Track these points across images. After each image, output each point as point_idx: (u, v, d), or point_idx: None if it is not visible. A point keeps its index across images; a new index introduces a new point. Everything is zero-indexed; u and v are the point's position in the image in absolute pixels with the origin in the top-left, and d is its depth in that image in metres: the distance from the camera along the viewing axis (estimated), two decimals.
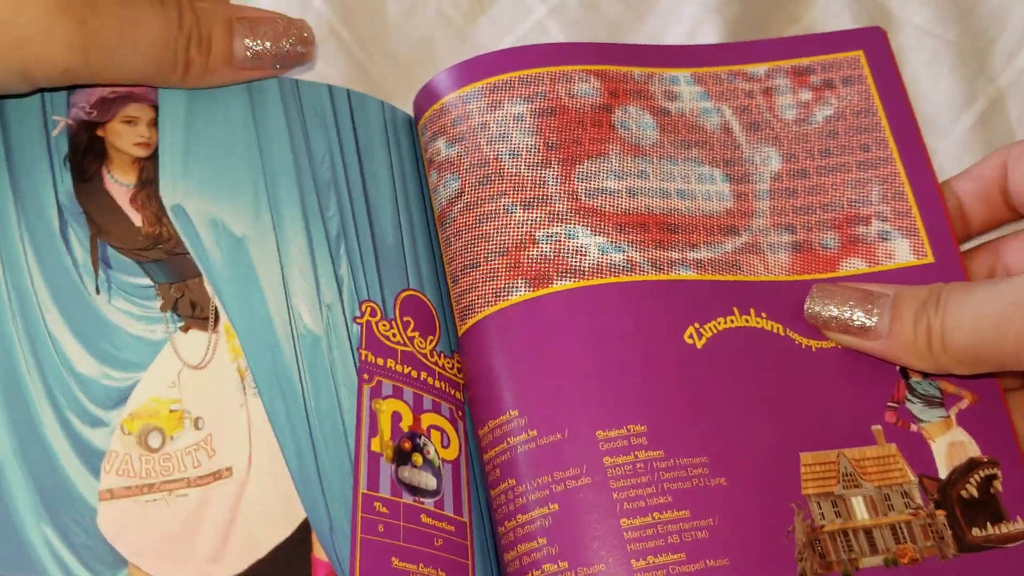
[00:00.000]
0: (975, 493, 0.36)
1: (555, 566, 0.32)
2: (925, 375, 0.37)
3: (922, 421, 0.37)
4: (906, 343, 0.34)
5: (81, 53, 0.32)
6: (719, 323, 0.36)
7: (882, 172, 0.40)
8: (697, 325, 0.36)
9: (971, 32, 0.47)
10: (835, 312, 0.36)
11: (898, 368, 0.37)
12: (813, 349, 0.37)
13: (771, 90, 0.42)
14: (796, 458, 0.35)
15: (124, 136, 0.37)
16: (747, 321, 0.37)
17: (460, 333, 0.37)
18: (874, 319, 0.35)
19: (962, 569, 0.35)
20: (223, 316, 0.34)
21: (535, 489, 0.34)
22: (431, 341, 0.37)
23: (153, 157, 0.37)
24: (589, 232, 0.37)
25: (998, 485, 0.36)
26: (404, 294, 0.38)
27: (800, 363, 0.37)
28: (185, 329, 0.34)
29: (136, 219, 0.35)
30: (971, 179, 0.39)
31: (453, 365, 0.37)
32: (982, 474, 0.36)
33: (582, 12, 0.48)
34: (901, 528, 0.35)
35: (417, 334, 0.37)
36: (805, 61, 0.42)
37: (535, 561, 0.33)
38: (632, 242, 0.37)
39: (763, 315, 0.37)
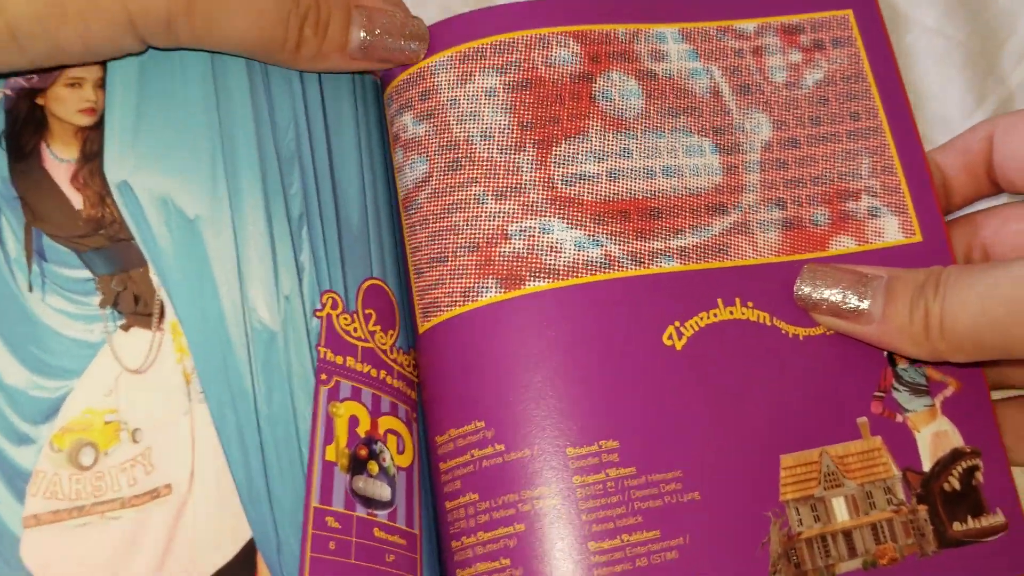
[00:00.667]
0: (957, 485, 0.35)
1: None
2: (912, 361, 0.35)
3: (907, 411, 0.36)
4: (901, 327, 0.32)
5: (184, 6, 0.30)
6: (701, 319, 0.35)
7: (872, 143, 0.38)
8: (677, 324, 0.34)
9: (981, 33, 0.47)
10: (826, 294, 0.34)
11: (885, 354, 0.36)
12: (800, 338, 0.35)
13: (761, 49, 0.39)
14: (776, 462, 0.34)
15: (67, 102, 0.33)
16: (731, 313, 0.35)
17: (421, 330, 0.35)
18: (867, 302, 0.33)
19: (942, 566, 0.34)
20: (169, 311, 0.31)
21: (500, 507, 0.32)
22: (391, 336, 0.35)
23: (99, 126, 0.33)
24: (565, 225, 0.35)
25: (980, 476, 0.35)
26: (367, 283, 0.35)
27: (787, 355, 0.35)
28: (126, 327, 0.31)
29: (76, 200, 0.32)
30: (956, 151, 0.38)
31: (410, 362, 0.35)
32: (964, 465, 0.35)
33: None
34: (882, 527, 0.34)
35: (379, 328, 0.35)
36: (795, 18, 0.40)
37: None
38: (611, 234, 0.35)
39: (749, 304, 0.35)
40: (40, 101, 0.33)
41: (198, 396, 0.30)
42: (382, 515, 0.32)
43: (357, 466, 0.32)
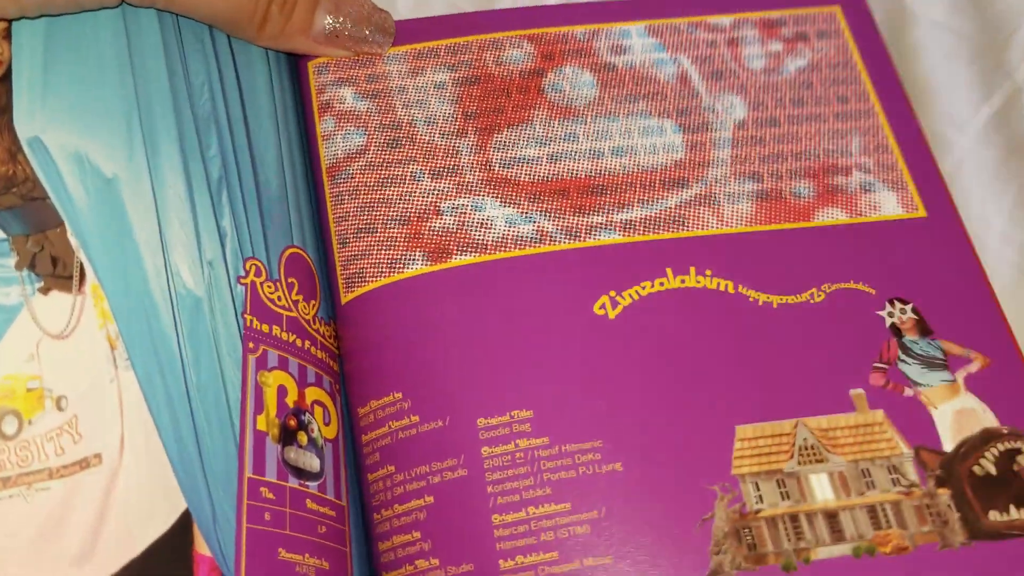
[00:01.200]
0: (992, 470, 0.31)
1: (427, 562, 0.31)
2: (922, 334, 0.34)
3: (920, 385, 0.33)
4: None
5: None
6: (642, 288, 0.34)
7: (863, 124, 0.38)
8: (613, 293, 0.34)
9: (988, 27, 0.47)
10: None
11: (888, 325, 0.34)
12: (774, 305, 0.34)
13: (737, 40, 0.40)
14: (730, 433, 0.32)
15: None
16: (683, 282, 0.34)
17: (343, 301, 0.35)
18: None
19: (974, 560, 0.30)
20: (89, 274, 0.30)
21: (413, 479, 0.32)
22: (313, 306, 0.34)
23: (6, 78, 0.31)
24: (498, 204, 0.36)
25: (1023, 461, 0.32)
26: (288, 251, 0.35)
27: (754, 322, 0.34)
28: (45, 290, 0.29)
29: None
30: None
31: (331, 333, 0.35)
32: (1001, 447, 0.32)
33: None
34: (883, 510, 0.31)
35: (301, 298, 0.34)
36: (775, 14, 0.40)
37: (409, 555, 0.32)
38: (546, 211, 0.36)
39: (707, 272, 0.34)
40: None
41: (124, 363, 0.29)
42: (313, 486, 0.32)
43: (287, 436, 0.32)
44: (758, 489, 0.31)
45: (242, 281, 0.32)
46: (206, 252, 0.32)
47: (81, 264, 0.29)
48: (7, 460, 0.27)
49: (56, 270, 0.29)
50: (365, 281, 0.34)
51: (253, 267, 0.33)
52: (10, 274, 0.28)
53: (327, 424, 0.33)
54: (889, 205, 0.37)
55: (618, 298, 0.34)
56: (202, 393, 0.30)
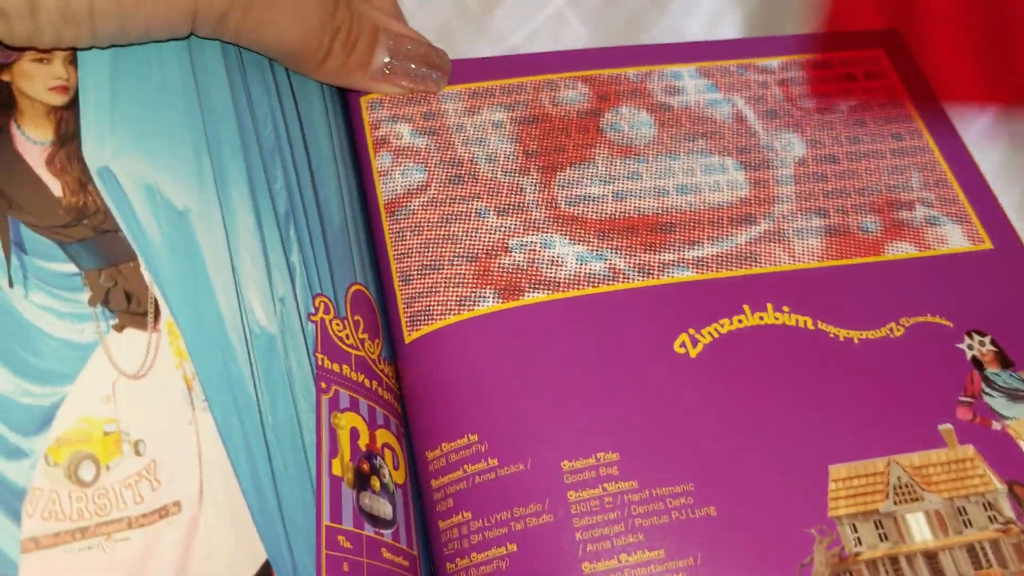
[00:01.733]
0: None
1: None
2: (1004, 366, 0.34)
3: (1007, 418, 0.33)
4: None
5: (245, 3, 0.30)
6: (722, 325, 0.33)
7: (920, 160, 0.38)
8: (692, 331, 0.33)
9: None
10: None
11: (969, 358, 0.34)
12: (855, 341, 0.34)
13: (787, 81, 0.40)
14: (823, 473, 0.31)
15: (35, 78, 0.30)
16: (762, 319, 0.34)
17: (407, 340, 0.33)
18: None
19: None
20: (164, 310, 0.28)
21: (493, 526, 0.31)
22: (378, 345, 0.33)
23: (73, 104, 0.30)
24: (567, 241, 0.35)
25: None
26: (353, 288, 0.33)
27: (836, 359, 0.33)
28: (119, 328, 0.28)
29: (55, 187, 0.29)
30: None
31: (393, 373, 0.33)
32: None
33: (600, 2, 0.47)
34: (983, 549, 0.30)
35: (367, 336, 0.33)
36: (821, 57, 0.40)
37: None
38: (616, 248, 0.35)
39: (785, 309, 0.34)
40: (5, 77, 0.29)
41: (201, 404, 0.28)
42: (387, 534, 0.30)
43: (361, 481, 0.30)
44: (856, 531, 0.30)
45: (312, 319, 0.31)
46: (277, 288, 0.30)
47: (156, 300, 0.28)
48: (85, 509, 0.25)
49: (130, 306, 0.28)
50: (432, 319, 0.33)
51: (322, 304, 0.31)
52: (83, 310, 0.27)
53: (396, 468, 0.32)
54: (955, 238, 0.37)
55: (698, 336, 0.33)
56: (279, 436, 0.28)
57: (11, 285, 0.27)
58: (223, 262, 0.30)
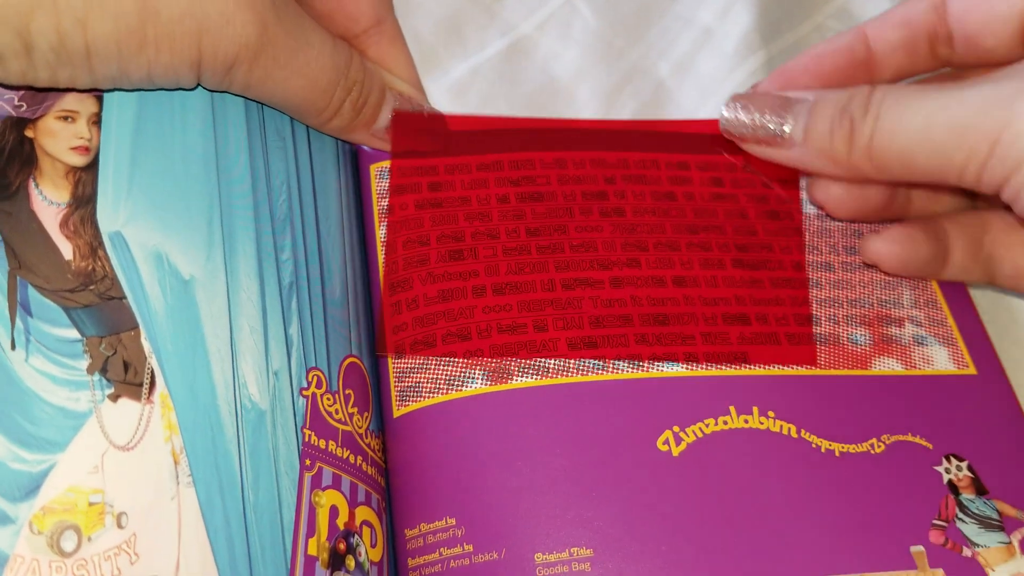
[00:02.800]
0: None
1: None
2: (978, 492, 0.34)
3: (977, 545, 0.33)
4: (821, 147, 0.32)
5: (251, 55, 0.30)
6: (707, 425, 0.33)
7: (912, 279, 0.38)
8: (677, 428, 0.33)
9: None
10: (746, 119, 0.33)
11: (945, 481, 0.34)
12: (836, 453, 0.33)
13: (791, 182, 0.40)
14: None
15: (59, 137, 0.30)
16: (747, 422, 0.34)
17: (396, 415, 0.34)
18: (788, 126, 0.32)
19: None
20: (160, 382, 0.29)
21: None
22: (366, 419, 0.33)
23: (92, 166, 0.30)
24: (561, 326, 0.35)
25: None
26: (347, 361, 0.34)
27: (817, 470, 0.33)
28: (114, 397, 0.28)
29: (66, 250, 0.29)
30: (893, 25, 0.35)
31: (380, 446, 0.34)
32: None
33: None
34: None
35: (356, 410, 0.33)
36: None
37: None
38: (609, 336, 0.35)
39: (771, 414, 0.34)
40: (29, 133, 0.30)
41: (186, 479, 0.28)
42: None
43: (336, 561, 0.30)
44: None
45: (304, 393, 0.31)
46: (273, 361, 0.31)
47: (152, 371, 0.28)
48: None
49: (127, 376, 0.28)
50: (421, 396, 0.34)
51: (315, 378, 0.32)
52: (81, 378, 0.27)
53: (373, 546, 0.32)
54: (941, 359, 0.36)
55: (682, 434, 0.33)
56: (259, 515, 0.29)
57: (13, 347, 0.27)
58: (222, 333, 0.30)
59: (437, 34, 0.46)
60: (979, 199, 0.39)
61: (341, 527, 0.31)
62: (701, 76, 0.46)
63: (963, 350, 0.38)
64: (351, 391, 0.34)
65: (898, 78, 0.36)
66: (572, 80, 0.46)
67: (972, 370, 0.37)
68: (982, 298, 0.42)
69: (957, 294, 0.40)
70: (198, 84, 0.31)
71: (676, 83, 0.46)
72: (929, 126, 0.29)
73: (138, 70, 0.30)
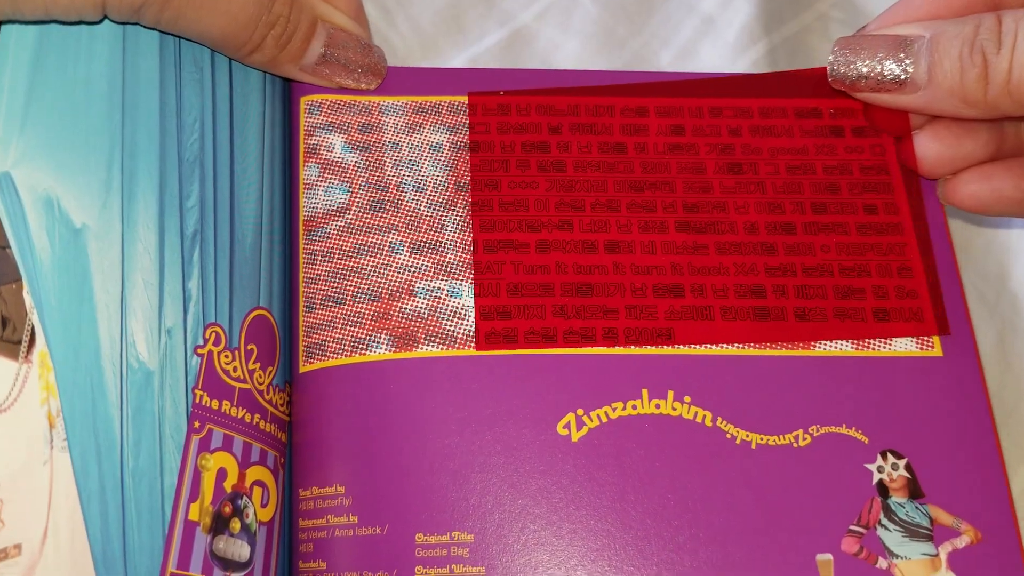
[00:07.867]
0: None
1: None
2: (912, 496, 0.31)
3: (896, 556, 0.31)
4: (951, 88, 0.30)
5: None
6: (613, 409, 0.32)
7: (888, 241, 0.35)
8: (580, 412, 0.32)
9: None
10: (863, 69, 0.31)
11: (875, 482, 0.31)
12: (753, 446, 0.32)
13: (763, 130, 0.37)
14: None
15: None
16: (658, 407, 0.32)
17: (301, 370, 0.34)
18: (910, 68, 0.31)
19: None
20: (40, 340, 0.28)
21: None
22: (269, 374, 0.33)
23: None
24: (475, 292, 0.34)
25: None
26: (253, 314, 0.34)
27: (726, 463, 0.31)
28: None
29: None
30: None
31: (284, 400, 0.34)
32: None
33: None
34: None
35: (258, 366, 0.33)
36: (811, 103, 0.37)
37: None
38: (525, 306, 0.34)
39: (686, 400, 0.32)
40: None
41: (61, 443, 0.28)
42: None
43: (220, 524, 0.31)
44: None
45: (199, 351, 0.31)
46: (167, 318, 0.30)
47: (32, 327, 0.27)
48: None
49: (4, 332, 0.27)
50: (326, 356, 0.34)
51: (213, 335, 0.32)
52: None
53: (264, 506, 0.33)
54: (902, 340, 0.34)
55: (585, 418, 0.33)
56: (137, 480, 0.29)
57: None
58: (113, 288, 0.30)
59: (437, 24, 0.46)
60: None
61: (228, 489, 0.32)
62: (702, 65, 0.46)
63: (932, 327, 0.34)
64: (254, 346, 0.33)
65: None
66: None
67: (937, 351, 0.33)
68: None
69: (942, 259, 0.35)
70: (103, 18, 0.30)
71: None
72: None
73: (32, 6, 0.29)
